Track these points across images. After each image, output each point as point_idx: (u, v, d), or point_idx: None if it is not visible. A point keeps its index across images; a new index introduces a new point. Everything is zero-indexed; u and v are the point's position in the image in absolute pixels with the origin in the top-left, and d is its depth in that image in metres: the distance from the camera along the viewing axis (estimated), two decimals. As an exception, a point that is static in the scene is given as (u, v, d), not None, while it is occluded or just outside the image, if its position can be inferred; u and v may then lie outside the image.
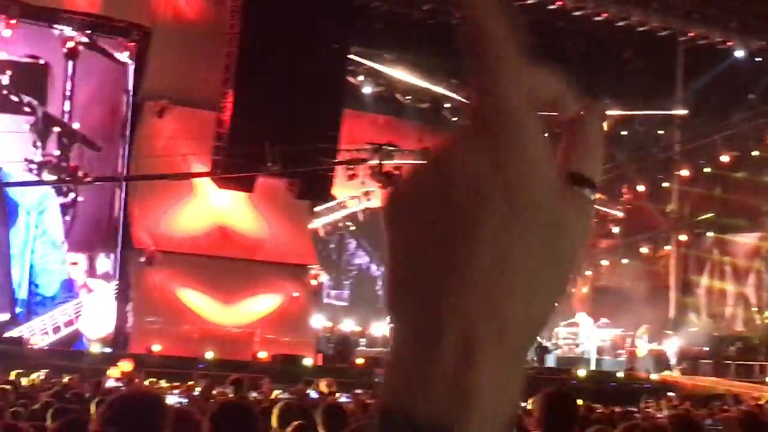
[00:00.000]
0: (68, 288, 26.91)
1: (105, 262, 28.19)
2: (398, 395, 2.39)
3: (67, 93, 27.61)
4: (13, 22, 25.88)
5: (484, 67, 2.49)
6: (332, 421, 8.01)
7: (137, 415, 4.19)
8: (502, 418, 2.41)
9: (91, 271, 28.25)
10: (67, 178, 27.28)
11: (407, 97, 33.16)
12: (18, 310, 26.23)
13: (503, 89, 2.45)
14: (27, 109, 27.01)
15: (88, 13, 26.69)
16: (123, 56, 28.05)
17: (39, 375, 17.89)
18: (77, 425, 7.73)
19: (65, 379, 17.42)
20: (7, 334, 25.31)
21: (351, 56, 29.32)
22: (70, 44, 26.98)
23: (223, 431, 4.60)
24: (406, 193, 2.54)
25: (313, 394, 16.25)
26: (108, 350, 25.92)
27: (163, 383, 19.03)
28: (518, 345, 2.50)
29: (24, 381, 16.99)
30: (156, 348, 25.89)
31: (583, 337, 32.23)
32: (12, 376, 17.50)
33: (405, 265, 2.48)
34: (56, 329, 26.26)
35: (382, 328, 34.78)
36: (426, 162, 2.60)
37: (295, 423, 8.47)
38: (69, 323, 26.50)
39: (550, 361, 31.21)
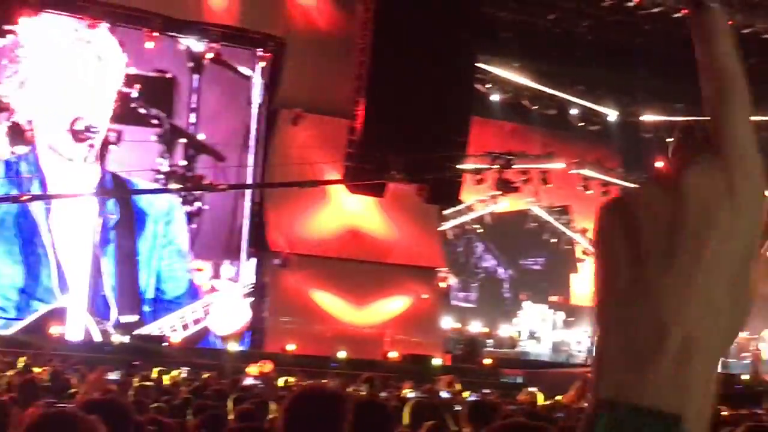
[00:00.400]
0: (192, 294, 27.25)
1: (229, 269, 28.52)
2: (623, 389, 2.89)
3: (193, 105, 27.98)
4: (156, 34, 26.38)
5: (725, 103, 2.84)
6: (478, 416, 7.99)
7: (320, 409, 4.29)
8: (709, 408, 3.02)
9: (216, 278, 28.68)
10: (201, 185, 27.63)
11: (534, 105, 32.98)
12: (146, 308, 26.64)
13: (741, 125, 2.82)
14: (154, 122, 27.41)
15: (225, 25, 27.05)
16: (247, 70, 28.35)
17: (180, 372, 18.19)
18: (216, 420, 7.91)
19: (204, 376, 17.74)
20: (138, 331, 25.90)
21: (479, 65, 29.24)
22: (198, 58, 27.44)
23: (360, 428, 4.65)
24: (629, 207, 2.88)
25: (444, 394, 16.24)
26: (245, 349, 26.25)
27: (294, 380, 19.24)
28: (725, 344, 3.12)
29: (165, 378, 17.26)
30: (290, 347, 26.14)
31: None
32: (154, 373, 17.79)
33: (623, 274, 2.83)
34: (185, 326, 26.66)
35: (508, 329, 34.72)
36: (656, 181, 2.99)
37: (429, 423, 8.49)
38: (197, 321, 26.87)
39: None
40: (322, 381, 17.57)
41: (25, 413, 5.99)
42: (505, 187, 28.31)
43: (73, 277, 25.52)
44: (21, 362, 15.81)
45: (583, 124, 33.66)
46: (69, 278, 25.47)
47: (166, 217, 27.09)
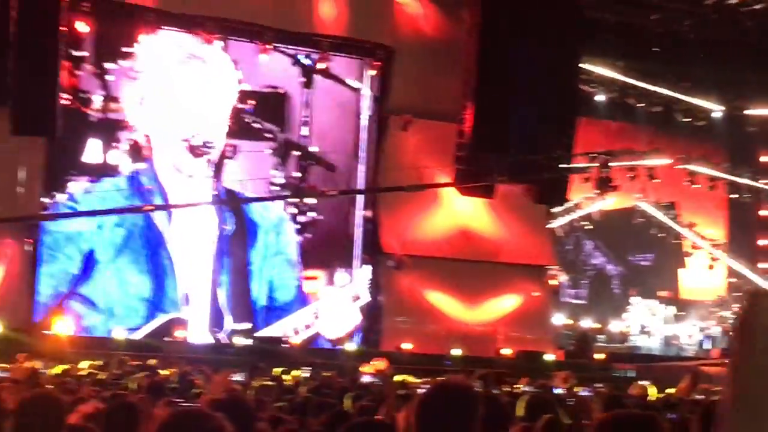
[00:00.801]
0: (302, 301, 27.49)
1: (343, 276, 28.73)
2: None
3: (305, 118, 28.19)
4: (268, 47, 26.68)
5: None
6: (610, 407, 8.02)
7: (455, 403, 4.35)
8: None
9: (330, 285, 28.89)
10: (314, 192, 27.89)
11: (639, 103, 32.69)
12: (258, 317, 26.92)
13: None
14: (268, 135, 27.73)
15: (335, 35, 27.24)
16: (355, 82, 28.49)
17: (302, 372, 18.38)
18: (338, 416, 8.01)
19: (324, 375, 17.91)
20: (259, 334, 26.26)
21: (583, 66, 29.06)
22: (309, 72, 27.67)
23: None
24: None
25: (558, 390, 16.15)
26: (362, 348, 26.39)
27: (412, 378, 19.28)
28: None
29: (286, 377, 17.44)
30: (406, 346, 26.24)
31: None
32: (275, 373, 17.98)
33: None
34: (296, 331, 26.90)
35: (619, 324, 34.42)
36: None
37: (546, 416, 8.49)
38: (308, 326, 27.08)
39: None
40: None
41: (156, 412, 6.15)
42: (605, 186, 28.07)
43: (192, 286, 25.91)
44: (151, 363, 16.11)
45: (688, 120, 33.25)
46: (189, 288, 25.86)
47: (276, 228, 27.35)
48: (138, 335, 24.70)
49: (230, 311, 26.23)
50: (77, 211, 25.61)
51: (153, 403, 8.22)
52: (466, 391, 4.56)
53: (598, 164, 27.89)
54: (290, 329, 26.74)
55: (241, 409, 4.71)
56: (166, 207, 26.18)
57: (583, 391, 12.80)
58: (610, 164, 31.46)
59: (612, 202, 33.98)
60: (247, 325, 26.31)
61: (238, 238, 26.68)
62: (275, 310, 27.09)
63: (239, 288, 26.59)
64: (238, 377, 12.51)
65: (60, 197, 25.21)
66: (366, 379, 13.41)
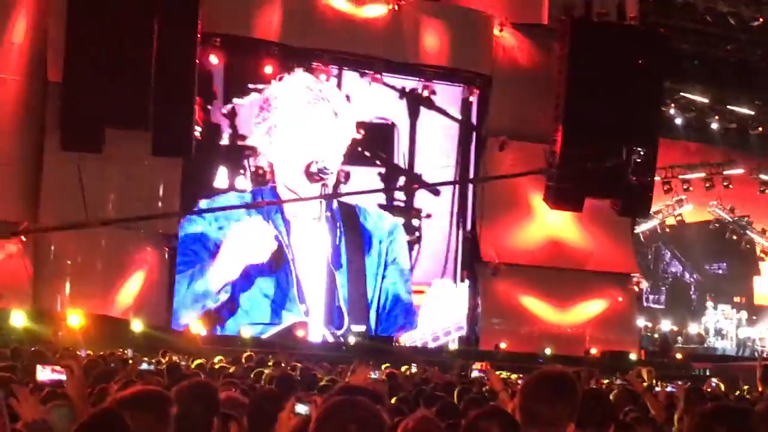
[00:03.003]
0: (409, 312, 27.38)
1: (447, 286, 28.73)
2: None
3: (411, 146, 28.16)
4: (379, 77, 26.79)
5: None
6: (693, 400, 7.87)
7: (557, 386, 4.35)
8: None
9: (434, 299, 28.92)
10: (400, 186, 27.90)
11: (715, 123, 32.27)
12: (372, 319, 26.93)
13: None
14: (377, 162, 27.78)
15: (439, 66, 27.23)
16: (455, 111, 28.43)
17: (409, 368, 18.29)
18: (449, 408, 7.91)
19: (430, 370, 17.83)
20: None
21: (665, 90, 28.74)
22: (415, 103, 27.69)
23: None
24: None
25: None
26: (462, 347, 26.36)
27: (509, 375, 19.13)
28: None
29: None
30: (502, 345, 26.10)
31: None
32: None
33: None
34: (435, 338, 27.06)
35: (696, 327, 33.98)
36: None
37: (627, 408, 8.35)
38: (447, 333, 27.17)
39: None
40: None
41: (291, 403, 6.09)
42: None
43: (311, 290, 26.00)
44: (272, 361, 16.13)
45: (762, 135, 32.76)
46: (307, 291, 25.95)
47: (390, 236, 27.35)
48: (264, 334, 24.87)
49: (348, 313, 26.26)
50: (211, 208, 25.97)
51: (285, 395, 8.20)
52: (565, 377, 4.51)
53: (678, 176, 27.71)
54: (430, 334, 26.82)
55: (376, 400, 4.64)
56: (280, 202, 26.24)
57: (668, 388, 12.55)
58: (688, 176, 31.44)
59: (689, 208, 33.68)
60: (362, 327, 26.30)
61: (354, 246, 26.66)
62: (387, 315, 27.04)
63: (356, 292, 26.60)
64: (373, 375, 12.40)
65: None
66: (475, 374, 13.27)
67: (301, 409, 5.20)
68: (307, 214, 26.00)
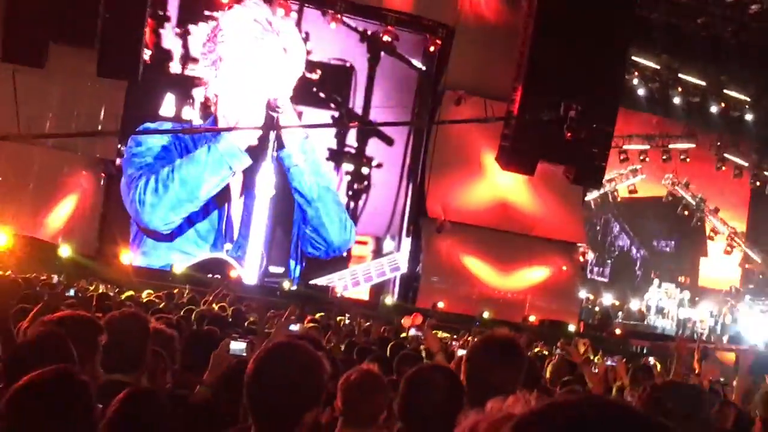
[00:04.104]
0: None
1: (389, 243, 28.94)
2: None
3: (367, 92, 28.18)
4: (339, 17, 26.70)
5: None
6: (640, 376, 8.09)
7: (500, 350, 4.38)
8: None
9: (377, 250, 29.04)
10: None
11: (678, 96, 32.53)
12: (291, 263, 27.01)
13: None
14: (331, 105, 27.71)
15: (402, 11, 27.20)
16: (417, 62, 28.43)
17: (343, 320, 18.43)
18: (380, 363, 8.04)
19: (366, 324, 17.97)
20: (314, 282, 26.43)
21: (631, 57, 28.96)
22: (375, 47, 27.67)
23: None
24: None
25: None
26: (399, 303, 26.53)
27: (444, 334, 19.33)
28: None
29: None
30: (440, 304, 26.31)
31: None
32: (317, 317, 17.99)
33: None
34: (344, 287, 27.10)
35: (637, 304, 34.43)
36: None
37: (565, 378, 8.56)
38: (355, 284, 27.27)
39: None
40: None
41: (226, 342, 6.17)
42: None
43: (249, 231, 25.97)
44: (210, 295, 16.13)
45: (723, 111, 33.09)
46: (245, 231, 25.94)
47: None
48: (191, 264, 24.79)
49: (266, 255, 26.24)
50: (155, 129, 25.74)
51: (218, 336, 8.28)
52: (513, 341, 4.58)
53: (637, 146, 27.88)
54: (339, 282, 26.89)
55: (317, 346, 4.72)
56: (229, 129, 26.07)
57: (607, 362, 12.81)
58: (645, 146, 31.84)
59: (642, 178, 34.12)
60: (281, 269, 26.39)
61: (285, 190, 26.57)
62: (312, 261, 27.11)
63: (278, 235, 26.56)
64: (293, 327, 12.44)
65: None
66: (412, 332, 13.45)
67: (237, 347, 5.29)
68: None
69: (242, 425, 3.85)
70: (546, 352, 16.42)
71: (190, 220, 25.34)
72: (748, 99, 32.93)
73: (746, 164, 34.90)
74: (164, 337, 6.47)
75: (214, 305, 14.33)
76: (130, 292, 16.69)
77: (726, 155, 34.49)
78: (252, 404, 3.54)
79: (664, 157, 33.45)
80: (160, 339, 6.14)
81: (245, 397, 3.55)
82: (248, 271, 25.74)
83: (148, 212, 24.90)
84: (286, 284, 25.24)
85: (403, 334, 16.35)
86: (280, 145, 25.65)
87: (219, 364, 5.40)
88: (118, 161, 25.52)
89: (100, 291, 15.67)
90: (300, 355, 3.60)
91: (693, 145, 33.79)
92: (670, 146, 33.43)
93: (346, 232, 27.09)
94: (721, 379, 9.70)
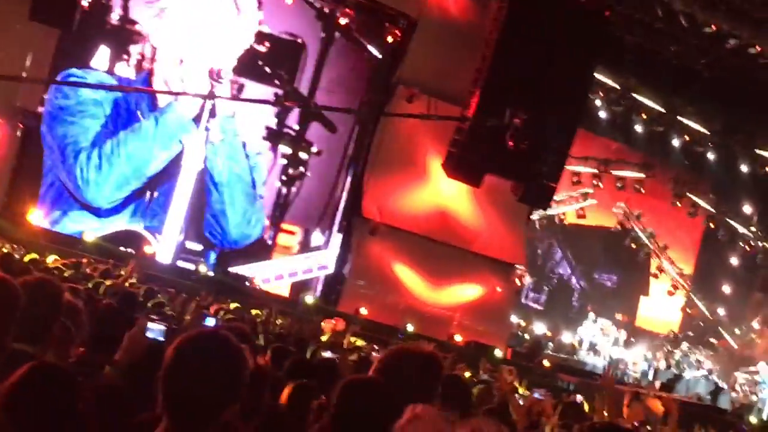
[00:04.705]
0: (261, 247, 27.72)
1: (319, 237, 29.00)
2: None
3: (316, 74, 28.22)
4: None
5: None
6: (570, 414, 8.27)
7: (414, 368, 4.41)
8: None
9: (305, 243, 29.06)
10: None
11: (640, 124, 32.88)
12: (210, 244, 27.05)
13: None
14: (276, 82, 27.66)
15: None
16: (374, 49, 28.54)
17: (261, 312, 18.49)
18: (301, 366, 8.12)
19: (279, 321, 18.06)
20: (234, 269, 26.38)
21: (596, 76, 29.23)
22: (330, 28, 27.72)
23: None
24: None
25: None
26: (320, 305, 26.52)
27: (361, 342, 19.46)
28: None
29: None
30: (363, 311, 26.38)
31: (761, 386, 31.46)
32: (231, 306, 18.03)
33: None
34: (265, 280, 27.07)
35: (570, 337, 34.81)
36: None
37: (486, 407, 8.73)
38: (278, 278, 27.30)
39: (723, 402, 30.41)
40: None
41: (138, 323, 6.23)
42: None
43: (160, 198, 25.87)
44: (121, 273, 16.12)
45: (686, 144, 33.57)
46: (157, 200, 25.85)
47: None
48: (105, 234, 24.65)
49: (184, 230, 26.14)
50: (82, 82, 25.49)
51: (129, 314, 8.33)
52: (432, 358, 4.63)
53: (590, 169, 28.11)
54: (260, 273, 26.87)
55: (248, 342, 4.81)
56: (160, 92, 25.93)
57: (534, 393, 13.00)
58: (601, 171, 32.19)
59: (593, 203, 34.43)
60: (198, 247, 26.34)
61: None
62: (232, 244, 27.09)
63: (198, 212, 26.47)
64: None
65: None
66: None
67: (155, 329, 5.34)
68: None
69: (151, 413, 3.82)
70: (468, 374, 16.62)
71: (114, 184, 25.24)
72: (713, 136, 33.44)
73: (702, 203, 35.39)
74: (72, 310, 6.48)
75: (126, 282, 14.35)
76: (34, 255, 16.64)
77: (683, 191, 34.95)
78: (167, 395, 3.55)
79: (618, 185, 33.85)
80: (68, 311, 6.15)
81: (161, 386, 3.56)
82: (164, 246, 25.61)
83: (92, 191, 24.82)
84: (202, 268, 25.21)
85: (324, 337, 16.50)
86: (213, 114, 25.55)
87: (134, 345, 5.45)
88: (39, 110, 25.25)
89: (4, 251, 15.60)
90: (224, 347, 3.62)
91: (646, 176, 34.20)
92: (625, 174, 33.81)
93: (249, 226, 26.98)
94: (648, 427, 9.90)
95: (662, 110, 32.59)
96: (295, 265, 27.87)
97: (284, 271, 27.47)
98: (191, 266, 25.60)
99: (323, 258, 28.31)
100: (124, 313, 6.89)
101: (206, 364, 3.56)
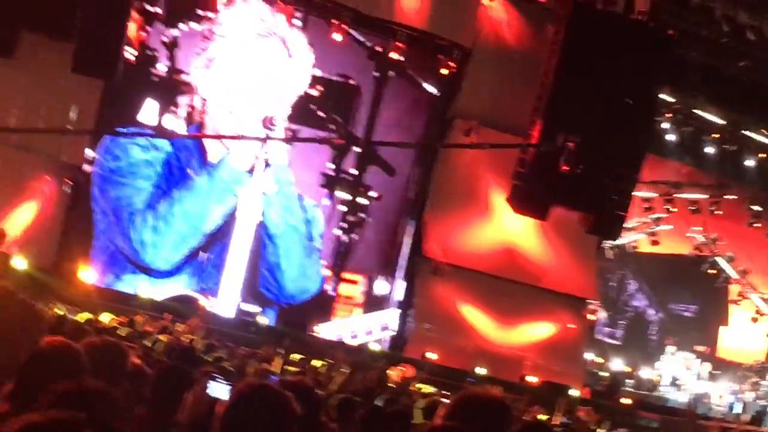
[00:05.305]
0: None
1: (383, 285, 28.93)
2: None
3: (372, 115, 28.31)
4: (345, 27, 26.74)
5: None
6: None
7: (482, 414, 4.43)
8: None
9: (369, 292, 28.99)
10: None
11: (711, 147, 32.54)
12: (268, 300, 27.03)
13: None
14: (331, 126, 27.76)
15: (414, 27, 27.29)
16: (430, 87, 28.61)
17: (324, 364, 18.53)
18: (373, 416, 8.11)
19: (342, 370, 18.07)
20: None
21: (663, 97, 29.03)
22: (383, 67, 27.79)
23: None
24: None
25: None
26: (386, 351, 26.48)
27: (430, 389, 19.38)
28: None
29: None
30: (431, 355, 26.30)
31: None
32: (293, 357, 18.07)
33: None
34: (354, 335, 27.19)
35: (650, 372, 34.45)
36: None
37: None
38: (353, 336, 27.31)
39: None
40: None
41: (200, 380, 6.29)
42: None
43: (218, 256, 25.94)
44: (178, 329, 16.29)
45: (762, 162, 33.17)
46: (221, 260, 25.88)
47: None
48: (163, 296, 24.82)
49: (243, 290, 26.10)
50: (143, 131, 25.70)
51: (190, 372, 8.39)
52: (499, 404, 4.63)
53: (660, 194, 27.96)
54: (348, 331, 26.85)
55: (310, 395, 4.85)
56: (217, 137, 26.03)
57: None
58: (674, 195, 31.82)
59: (668, 228, 33.99)
60: (256, 308, 26.29)
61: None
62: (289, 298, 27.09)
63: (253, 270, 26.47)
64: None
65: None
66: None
67: (218, 390, 5.39)
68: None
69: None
70: (543, 416, 16.55)
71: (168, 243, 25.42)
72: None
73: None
74: (135, 371, 6.56)
75: (184, 337, 14.45)
76: (88, 315, 16.80)
77: (760, 212, 34.41)
78: None
79: (692, 208, 33.38)
80: (131, 373, 6.23)
81: None
82: (221, 304, 25.63)
83: (150, 253, 25.00)
84: (262, 320, 25.28)
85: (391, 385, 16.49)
86: (267, 164, 25.61)
87: (197, 405, 5.50)
88: (86, 168, 25.55)
89: (59, 312, 15.77)
90: (276, 404, 3.81)
91: (721, 198, 33.70)
92: (698, 197, 33.37)
93: (306, 280, 26.84)
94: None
95: (732, 128, 32.27)
96: (357, 326, 27.69)
97: (345, 333, 27.28)
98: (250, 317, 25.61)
99: (386, 318, 28.12)
100: (185, 372, 6.94)
101: (256, 422, 3.74)
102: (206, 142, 26.00)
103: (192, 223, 25.05)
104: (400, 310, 28.13)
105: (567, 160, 22.75)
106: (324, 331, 26.98)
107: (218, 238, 25.78)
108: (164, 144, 25.76)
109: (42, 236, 24.96)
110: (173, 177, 25.53)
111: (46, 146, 24.82)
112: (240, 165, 25.16)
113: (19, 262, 22.63)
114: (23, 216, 24.61)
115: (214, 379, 6.00)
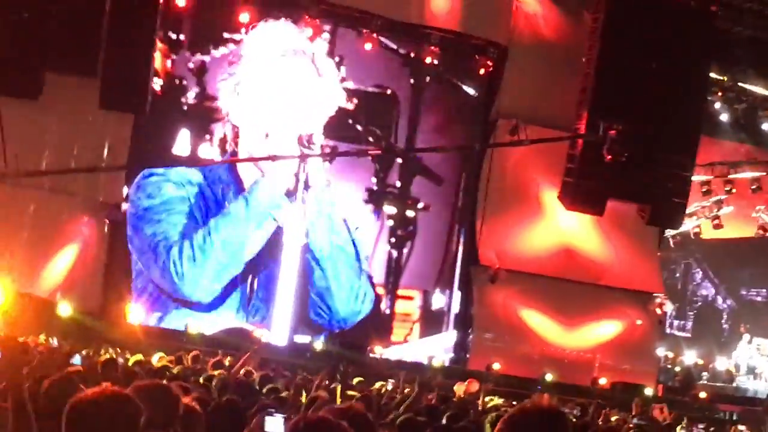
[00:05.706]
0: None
1: (440, 298, 28.79)
2: None
3: (411, 124, 28.26)
4: (375, 37, 26.71)
5: None
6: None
7: (539, 427, 4.34)
8: None
9: (426, 307, 28.86)
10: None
11: (766, 120, 32.15)
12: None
13: None
14: (369, 138, 27.72)
15: (447, 29, 27.22)
16: (469, 89, 28.51)
17: (385, 385, 18.45)
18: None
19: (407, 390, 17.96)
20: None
21: (712, 75, 28.74)
22: (419, 73, 27.78)
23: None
24: None
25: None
26: (448, 365, 26.36)
27: (498, 401, 19.24)
28: None
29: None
30: (496, 366, 26.13)
31: None
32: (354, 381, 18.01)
33: None
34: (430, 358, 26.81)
35: (725, 362, 34.12)
36: None
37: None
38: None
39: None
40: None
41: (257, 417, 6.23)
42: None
43: (266, 285, 25.83)
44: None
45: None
46: (262, 288, 25.77)
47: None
48: (213, 330, 24.78)
49: (294, 316, 25.94)
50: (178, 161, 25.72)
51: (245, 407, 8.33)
52: (556, 415, 4.54)
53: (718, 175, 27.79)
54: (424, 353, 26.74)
55: (362, 421, 4.76)
56: (257, 159, 25.93)
57: (694, 429, 12.75)
58: (732, 176, 31.40)
59: (730, 210, 33.50)
60: (307, 338, 26.10)
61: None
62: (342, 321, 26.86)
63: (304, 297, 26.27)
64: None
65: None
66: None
67: (273, 425, 5.32)
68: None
69: None
70: (615, 417, 16.38)
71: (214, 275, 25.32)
72: None
73: None
74: (188, 413, 6.49)
75: (238, 370, 14.41)
76: (139, 356, 16.80)
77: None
78: None
79: (753, 187, 32.91)
80: (184, 415, 6.16)
81: None
82: (276, 334, 25.53)
83: (189, 285, 24.50)
84: (318, 344, 25.19)
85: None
86: (307, 186, 25.46)
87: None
88: (124, 206, 25.61)
89: (105, 356, 15.78)
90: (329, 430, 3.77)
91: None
92: (759, 174, 32.89)
93: (357, 302, 26.47)
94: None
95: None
96: (416, 352, 27.56)
97: (405, 359, 27.13)
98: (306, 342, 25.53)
99: (445, 341, 27.99)
100: (238, 409, 6.89)
101: None
102: (241, 172, 25.74)
103: (231, 251, 24.85)
104: (457, 331, 27.96)
105: (610, 149, 22.69)
106: (385, 356, 26.84)
107: (262, 268, 25.64)
108: (198, 179, 25.64)
109: (86, 279, 25.07)
110: (210, 211, 25.43)
111: (81, 187, 24.90)
112: (277, 188, 25.03)
113: (64, 309, 22.69)
114: (64, 260, 24.71)
115: (270, 413, 5.93)
